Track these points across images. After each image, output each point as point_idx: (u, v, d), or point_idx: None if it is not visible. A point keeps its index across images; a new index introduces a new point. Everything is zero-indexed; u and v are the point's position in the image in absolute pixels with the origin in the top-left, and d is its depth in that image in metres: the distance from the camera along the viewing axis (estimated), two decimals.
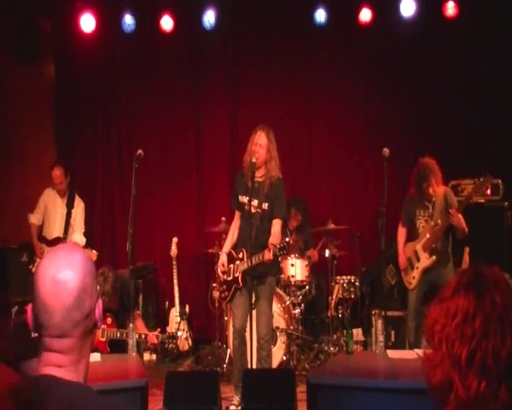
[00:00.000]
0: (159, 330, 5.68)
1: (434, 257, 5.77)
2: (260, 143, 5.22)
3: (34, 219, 6.87)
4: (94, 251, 6.39)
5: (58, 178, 6.73)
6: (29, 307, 1.56)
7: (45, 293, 1.51)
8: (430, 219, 5.81)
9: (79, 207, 6.88)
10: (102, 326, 5.24)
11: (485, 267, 1.35)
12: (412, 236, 5.99)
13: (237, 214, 5.52)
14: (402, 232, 6.06)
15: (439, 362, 1.28)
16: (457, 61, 7.40)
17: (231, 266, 5.40)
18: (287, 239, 5.17)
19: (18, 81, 7.87)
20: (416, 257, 5.88)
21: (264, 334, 5.26)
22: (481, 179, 5.69)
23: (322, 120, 7.77)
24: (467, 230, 5.68)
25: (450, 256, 5.85)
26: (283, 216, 5.46)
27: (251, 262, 5.11)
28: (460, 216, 5.65)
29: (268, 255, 5.02)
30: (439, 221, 5.74)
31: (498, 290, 1.29)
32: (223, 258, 5.46)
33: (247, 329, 5.27)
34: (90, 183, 8.03)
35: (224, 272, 5.42)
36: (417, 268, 5.87)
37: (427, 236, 5.81)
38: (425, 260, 5.82)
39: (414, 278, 5.89)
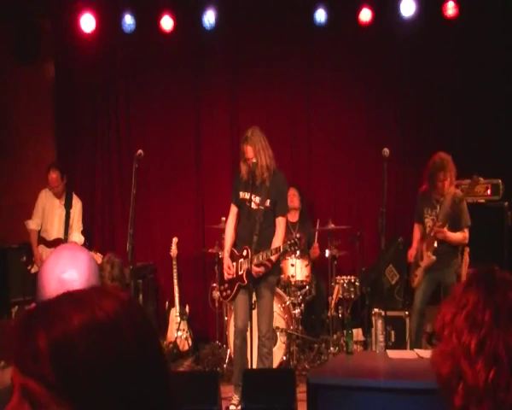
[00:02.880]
0: None
1: (434, 257, 5.77)
2: (250, 157, 5.28)
3: (33, 224, 6.79)
4: (99, 254, 6.39)
5: (54, 181, 6.70)
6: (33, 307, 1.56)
7: (51, 293, 1.51)
8: (436, 220, 5.80)
9: (77, 206, 6.87)
10: None
11: (498, 269, 1.35)
12: (423, 233, 6.00)
13: (233, 211, 5.52)
14: (417, 228, 6.04)
15: (448, 353, 1.27)
16: (457, 60, 7.39)
17: (234, 263, 5.40)
18: (297, 235, 5.23)
19: (18, 81, 7.87)
20: (420, 256, 5.90)
21: (265, 331, 5.29)
22: (469, 181, 5.70)
23: (322, 120, 7.77)
24: (461, 240, 5.75)
25: (455, 257, 5.84)
26: (286, 213, 5.57)
27: (257, 260, 5.15)
28: (446, 232, 5.68)
29: (274, 258, 5.19)
30: (442, 223, 5.74)
31: (510, 289, 1.28)
32: (228, 262, 5.44)
33: (248, 328, 5.27)
34: (90, 183, 8.02)
35: (231, 275, 5.42)
36: (420, 266, 5.89)
37: (431, 235, 5.81)
38: (426, 260, 5.83)
39: (416, 276, 5.92)
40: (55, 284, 1.51)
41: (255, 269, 5.15)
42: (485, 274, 1.33)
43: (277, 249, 5.18)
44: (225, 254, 5.50)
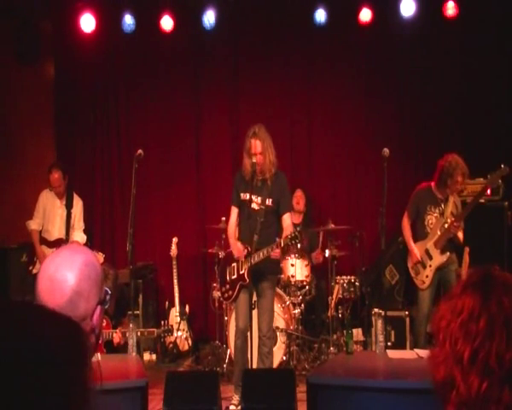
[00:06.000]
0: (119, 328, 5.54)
1: (449, 254, 5.76)
2: (259, 151, 5.24)
3: (34, 224, 6.75)
4: (100, 253, 6.37)
5: (56, 181, 6.67)
6: None
7: (42, 289, 1.53)
8: (441, 217, 5.79)
9: (78, 205, 6.85)
10: None
11: (496, 269, 1.34)
12: (417, 231, 5.95)
13: (234, 212, 5.49)
14: (408, 226, 5.98)
15: (442, 359, 1.27)
16: (457, 61, 7.40)
17: (234, 264, 5.38)
18: (298, 228, 5.20)
19: (18, 81, 7.87)
20: (427, 256, 5.83)
21: (266, 331, 5.28)
22: (496, 171, 5.68)
23: (322, 120, 7.78)
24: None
25: (454, 251, 5.87)
26: (291, 210, 5.63)
27: (258, 257, 5.12)
28: (461, 233, 5.77)
29: (276, 252, 5.10)
30: (449, 220, 5.74)
31: (507, 293, 1.28)
32: (238, 246, 5.31)
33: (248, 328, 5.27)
34: (90, 183, 8.02)
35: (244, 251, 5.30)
36: (430, 266, 5.81)
37: (438, 233, 5.78)
38: (438, 258, 5.78)
39: (427, 277, 5.82)
40: (45, 281, 1.52)
41: (276, 251, 5.10)
42: (482, 277, 1.33)
43: (278, 244, 5.10)
44: (231, 241, 5.38)
